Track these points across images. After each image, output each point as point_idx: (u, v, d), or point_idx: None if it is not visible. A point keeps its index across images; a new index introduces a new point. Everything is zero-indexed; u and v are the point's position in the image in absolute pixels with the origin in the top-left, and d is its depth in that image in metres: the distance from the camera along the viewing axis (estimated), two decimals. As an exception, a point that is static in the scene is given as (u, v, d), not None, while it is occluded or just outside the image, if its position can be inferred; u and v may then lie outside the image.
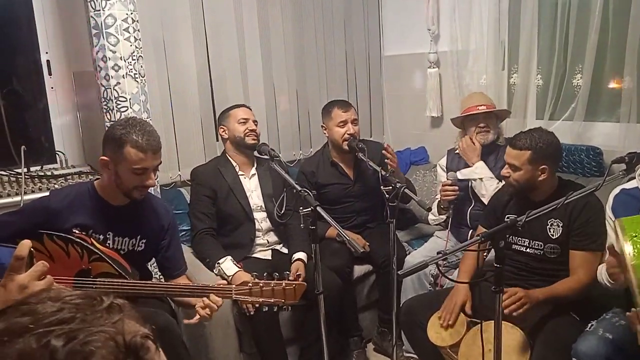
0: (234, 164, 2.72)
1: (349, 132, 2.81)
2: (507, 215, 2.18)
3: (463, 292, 2.19)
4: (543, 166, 2.07)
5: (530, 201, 2.15)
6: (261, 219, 2.72)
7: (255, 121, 2.71)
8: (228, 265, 2.40)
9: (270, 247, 2.73)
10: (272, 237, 2.75)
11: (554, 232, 2.10)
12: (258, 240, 2.71)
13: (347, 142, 2.81)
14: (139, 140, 1.79)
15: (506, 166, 2.15)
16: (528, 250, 2.16)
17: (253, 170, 2.75)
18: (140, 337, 0.60)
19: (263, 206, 2.71)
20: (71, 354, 0.55)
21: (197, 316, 1.78)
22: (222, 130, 2.74)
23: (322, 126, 2.97)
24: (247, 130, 2.65)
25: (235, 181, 2.69)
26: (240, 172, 2.72)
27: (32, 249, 1.23)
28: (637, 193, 1.81)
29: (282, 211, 2.54)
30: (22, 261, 1.18)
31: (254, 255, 2.68)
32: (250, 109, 2.78)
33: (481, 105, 2.71)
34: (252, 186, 2.73)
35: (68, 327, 0.57)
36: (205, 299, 1.77)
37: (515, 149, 2.10)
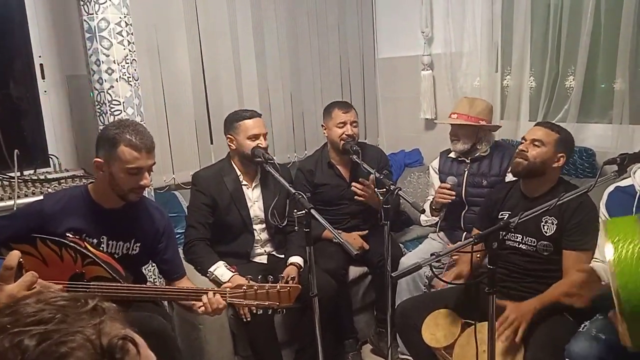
0: (238, 172, 2.64)
1: (347, 133, 2.81)
2: (501, 213, 2.22)
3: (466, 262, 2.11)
4: (562, 154, 2.14)
5: (526, 198, 2.18)
6: (260, 230, 2.68)
7: (265, 134, 2.58)
8: (222, 271, 2.37)
9: (267, 253, 2.72)
10: (270, 248, 2.72)
11: (547, 229, 2.11)
12: (256, 251, 2.69)
13: (343, 143, 2.81)
14: (133, 140, 1.79)
15: (526, 143, 2.18)
16: (521, 245, 2.18)
17: (257, 181, 2.69)
18: (119, 339, 0.60)
19: (263, 218, 2.65)
20: (44, 354, 0.55)
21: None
22: (229, 140, 2.60)
23: (322, 125, 2.97)
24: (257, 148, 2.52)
25: (237, 191, 2.62)
26: (243, 182, 2.64)
27: (21, 260, 1.23)
28: (632, 190, 1.83)
29: (285, 222, 2.49)
30: (12, 271, 1.18)
31: (250, 259, 2.68)
32: (260, 115, 2.63)
33: (454, 114, 2.73)
34: (254, 197, 2.67)
35: (44, 327, 0.57)
36: (204, 297, 1.78)
37: (546, 128, 2.18)
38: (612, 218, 1.67)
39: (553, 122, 2.37)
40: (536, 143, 2.14)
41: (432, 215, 2.74)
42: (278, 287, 1.79)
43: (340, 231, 2.81)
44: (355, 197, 2.74)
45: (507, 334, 1.91)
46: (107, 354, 0.58)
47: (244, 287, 1.78)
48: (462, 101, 2.82)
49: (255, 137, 2.54)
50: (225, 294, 1.79)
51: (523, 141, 2.22)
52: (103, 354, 0.58)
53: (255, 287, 1.78)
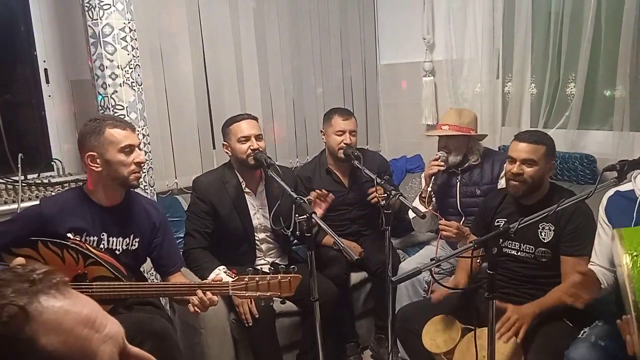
0: (240, 179, 2.59)
1: (346, 142, 2.81)
2: (497, 220, 2.22)
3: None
4: (552, 161, 2.13)
5: (521, 205, 2.18)
6: (262, 238, 2.65)
7: (258, 135, 2.52)
8: (222, 277, 2.37)
9: (269, 263, 2.70)
10: (273, 257, 2.70)
11: (545, 235, 2.11)
12: (258, 261, 2.66)
13: (342, 151, 2.82)
14: (115, 122, 1.88)
15: (517, 164, 2.11)
16: (519, 254, 2.18)
17: (261, 187, 2.64)
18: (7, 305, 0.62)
19: (267, 225, 2.61)
20: None
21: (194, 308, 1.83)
22: (225, 147, 2.58)
23: (321, 131, 2.98)
24: (248, 151, 2.47)
25: (239, 198, 2.57)
26: (246, 189, 2.60)
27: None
28: (632, 195, 1.83)
29: (291, 228, 2.47)
30: None
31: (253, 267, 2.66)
32: (255, 118, 2.58)
33: (445, 125, 2.71)
34: (258, 204, 2.63)
35: None
36: (200, 293, 1.80)
37: (531, 143, 2.10)
38: (627, 228, 1.66)
39: (534, 129, 2.30)
40: (528, 162, 2.10)
41: (421, 204, 2.68)
42: (279, 278, 1.81)
43: (341, 239, 2.80)
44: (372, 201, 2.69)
45: (510, 335, 1.91)
46: None
47: (246, 279, 1.80)
48: (449, 112, 2.80)
49: (245, 138, 2.49)
50: (228, 287, 1.81)
51: (510, 160, 2.15)
52: None
53: (257, 279, 1.80)
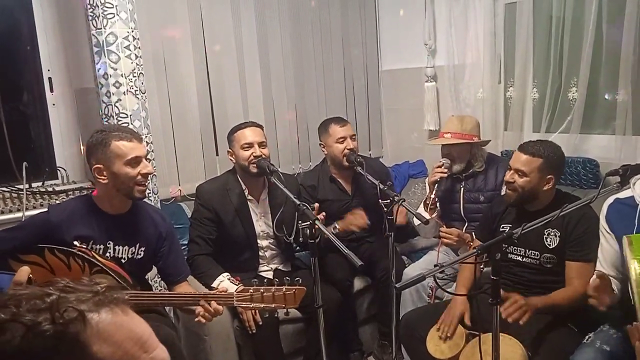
0: (243, 186, 2.60)
1: (349, 147, 2.81)
2: (502, 226, 2.22)
3: (461, 304, 2.19)
4: (550, 176, 2.10)
5: (526, 211, 2.18)
6: (266, 245, 2.65)
7: (262, 143, 2.52)
8: (226, 285, 2.33)
9: (272, 270, 2.70)
10: (276, 264, 2.70)
11: (551, 241, 2.11)
12: (261, 268, 2.66)
13: (346, 157, 2.82)
14: (121, 134, 1.87)
15: (511, 172, 2.14)
16: (525, 260, 2.18)
17: (264, 195, 2.64)
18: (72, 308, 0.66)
19: (270, 233, 2.62)
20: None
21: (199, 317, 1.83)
22: (229, 154, 2.59)
23: (320, 144, 2.96)
24: (251, 158, 2.47)
25: (242, 206, 2.57)
26: (249, 197, 2.60)
27: (30, 276, 1.25)
28: (632, 202, 1.83)
29: (293, 235, 2.47)
30: (21, 287, 1.21)
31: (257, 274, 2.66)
32: (259, 126, 2.59)
33: (447, 133, 2.71)
34: (260, 211, 2.63)
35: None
36: (205, 303, 1.80)
37: (527, 154, 2.11)
38: (635, 234, 1.66)
39: (543, 139, 2.28)
40: (519, 173, 2.10)
41: (425, 212, 2.66)
42: (284, 290, 1.81)
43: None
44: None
45: (516, 317, 1.87)
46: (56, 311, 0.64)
47: (251, 290, 1.80)
48: (451, 120, 2.81)
49: (248, 145, 2.49)
50: (233, 298, 1.81)
51: (508, 167, 2.18)
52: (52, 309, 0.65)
53: (262, 290, 1.80)
